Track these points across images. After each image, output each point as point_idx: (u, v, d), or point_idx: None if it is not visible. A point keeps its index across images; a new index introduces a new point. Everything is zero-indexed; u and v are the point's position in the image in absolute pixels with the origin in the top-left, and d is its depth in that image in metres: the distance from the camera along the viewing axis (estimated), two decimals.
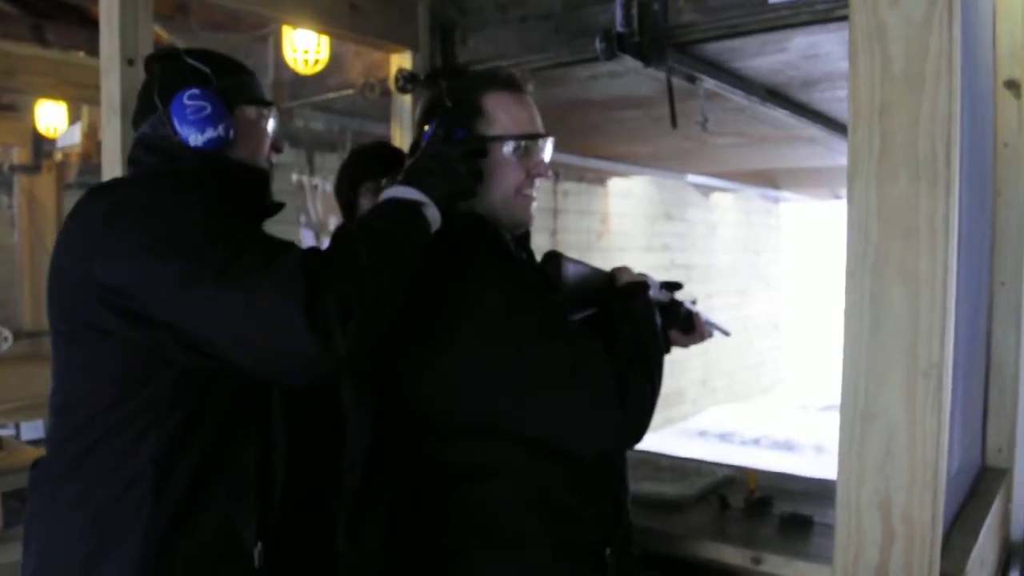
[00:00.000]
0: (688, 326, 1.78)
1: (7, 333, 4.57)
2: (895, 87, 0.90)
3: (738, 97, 3.10)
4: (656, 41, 2.33)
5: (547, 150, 1.45)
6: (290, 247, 1.17)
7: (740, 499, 2.08)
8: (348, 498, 1.64)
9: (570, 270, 1.48)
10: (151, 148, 1.35)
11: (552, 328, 1.30)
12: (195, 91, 1.32)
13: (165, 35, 3.77)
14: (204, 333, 1.13)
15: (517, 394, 1.27)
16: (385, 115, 2.93)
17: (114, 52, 1.99)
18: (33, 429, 5.14)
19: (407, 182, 1.30)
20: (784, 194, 9.95)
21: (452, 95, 1.41)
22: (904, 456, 0.85)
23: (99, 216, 1.21)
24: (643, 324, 1.44)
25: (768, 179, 8.92)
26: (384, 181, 1.74)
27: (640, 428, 1.32)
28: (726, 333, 1.93)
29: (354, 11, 2.61)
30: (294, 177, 3.73)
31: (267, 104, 1.46)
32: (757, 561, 1.74)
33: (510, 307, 1.29)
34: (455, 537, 1.36)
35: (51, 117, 4.29)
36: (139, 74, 2.00)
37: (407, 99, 2.82)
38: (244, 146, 1.40)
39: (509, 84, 1.43)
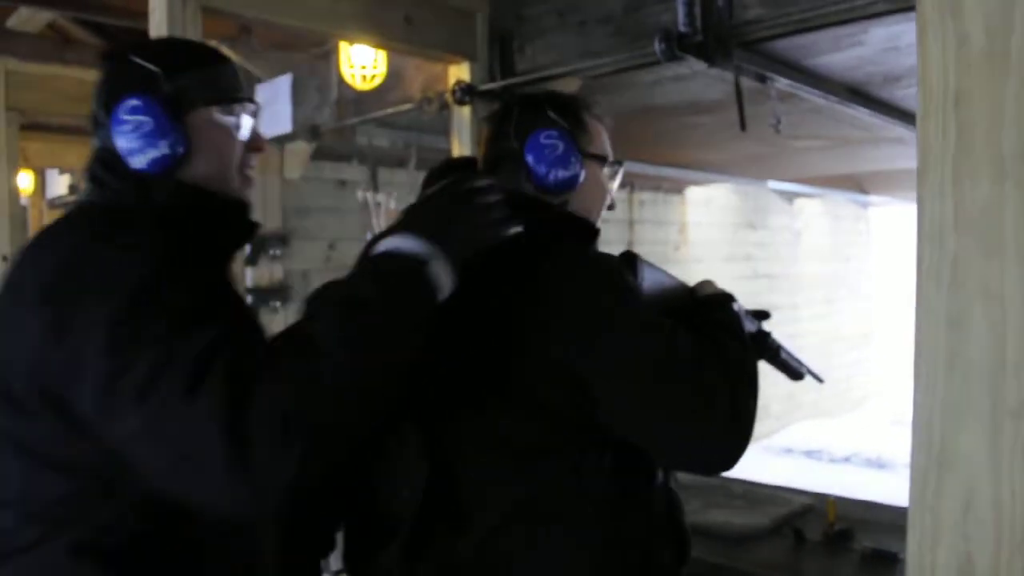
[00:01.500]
0: (778, 361, 1.66)
1: None
2: (973, 70, 0.76)
3: (814, 97, 2.93)
4: (721, 40, 2.21)
5: (619, 177, 1.48)
6: (225, 335, 0.94)
7: (818, 531, 1.93)
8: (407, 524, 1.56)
9: (647, 274, 1.39)
10: (108, 165, 1.15)
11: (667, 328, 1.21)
12: (135, 101, 1.10)
13: (234, 56, 3.80)
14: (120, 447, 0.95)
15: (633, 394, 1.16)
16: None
17: None
18: None
19: (412, 228, 1.10)
20: (873, 198, 9.54)
21: (556, 104, 1.38)
22: (988, 512, 0.70)
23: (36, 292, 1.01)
24: (736, 336, 1.33)
25: (855, 183, 8.56)
26: None
27: (742, 450, 1.19)
28: (819, 379, 1.78)
29: (409, 24, 2.57)
30: (359, 194, 3.70)
31: (236, 99, 1.23)
32: None
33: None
34: None
35: None
36: None
37: (466, 111, 2.76)
38: (205, 160, 1.18)
39: (600, 114, 1.44)
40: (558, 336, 1.17)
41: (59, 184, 6.33)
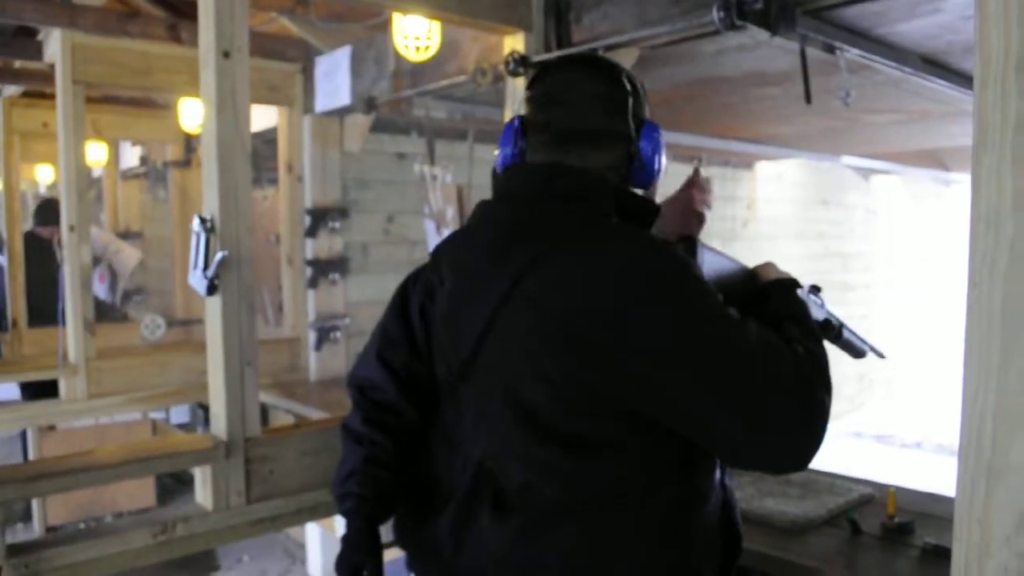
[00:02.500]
0: (841, 341, 1.60)
1: (161, 321, 4.80)
2: None
3: (888, 68, 2.77)
4: (784, 7, 2.10)
5: None
6: None
7: (876, 524, 1.84)
8: (460, 495, 1.55)
9: (707, 259, 1.32)
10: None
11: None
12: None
13: (294, 29, 3.81)
14: None
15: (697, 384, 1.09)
16: None
17: (210, 44, 1.96)
18: (181, 413, 5.41)
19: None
20: (955, 175, 9.14)
21: (630, 80, 1.31)
22: None
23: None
24: (804, 325, 1.25)
25: (935, 160, 8.21)
26: None
27: (815, 449, 1.11)
28: (880, 355, 1.71)
29: None
30: (416, 167, 3.68)
31: None
32: None
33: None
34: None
35: (193, 114, 4.45)
36: (234, 66, 1.98)
37: (520, 83, 2.69)
38: None
39: None
40: (609, 327, 1.09)
41: (131, 156, 6.47)
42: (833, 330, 1.57)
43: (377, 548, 1.62)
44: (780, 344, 1.12)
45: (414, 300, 1.68)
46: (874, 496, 2.06)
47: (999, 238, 0.69)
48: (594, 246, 1.14)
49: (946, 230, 10.08)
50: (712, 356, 1.08)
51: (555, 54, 2.65)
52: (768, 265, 1.42)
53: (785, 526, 1.87)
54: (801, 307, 1.31)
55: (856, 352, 1.67)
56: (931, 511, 1.94)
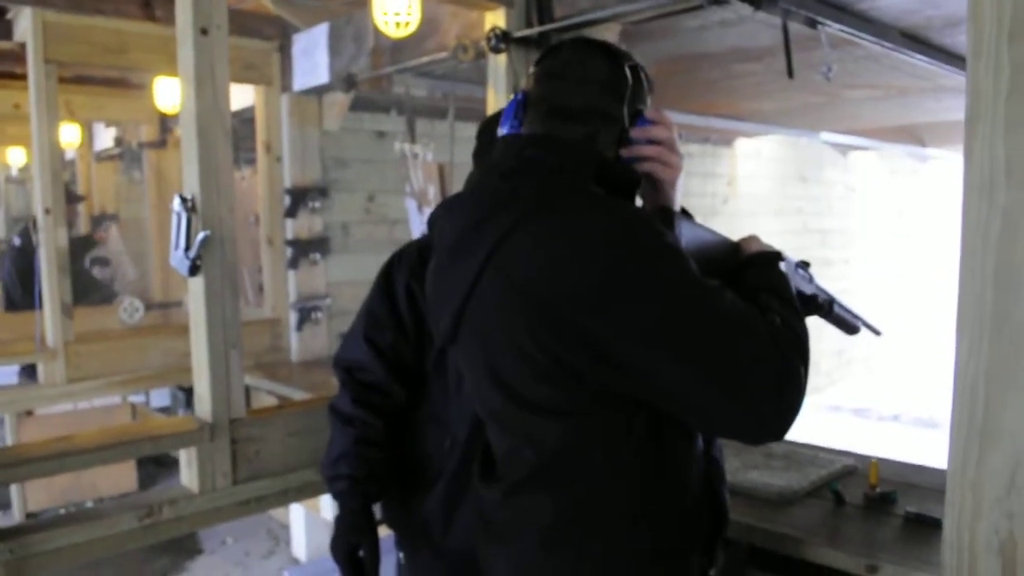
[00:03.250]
0: (832, 317, 1.59)
1: (139, 304, 4.76)
2: None
3: (868, 43, 2.78)
4: None
5: None
6: None
7: (859, 494, 1.87)
8: (448, 474, 1.64)
9: (686, 231, 1.30)
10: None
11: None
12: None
13: (270, 6, 3.76)
14: None
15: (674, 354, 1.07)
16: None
17: (187, 22, 1.93)
18: (161, 397, 5.38)
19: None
20: (931, 151, 9.21)
21: (630, 68, 1.28)
22: None
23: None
24: (783, 297, 1.23)
25: (913, 135, 8.26)
26: None
27: (791, 420, 1.10)
28: (876, 332, 1.70)
29: None
30: (396, 146, 3.65)
31: None
32: (872, 570, 1.53)
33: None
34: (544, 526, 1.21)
35: (169, 93, 4.38)
36: (212, 44, 1.95)
37: (502, 59, 2.68)
38: None
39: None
40: (580, 298, 1.09)
41: (105, 137, 6.38)
42: (821, 306, 1.57)
43: (372, 527, 1.64)
44: (755, 314, 1.12)
45: (399, 280, 1.68)
46: (856, 468, 2.08)
47: (992, 206, 0.69)
48: (567, 217, 1.13)
49: (923, 205, 10.18)
50: (685, 325, 1.07)
51: (536, 30, 2.64)
52: (751, 238, 1.41)
53: (770, 498, 1.89)
54: (781, 279, 1.30)
55: (849, 328, 1.65)
56: (912, 481, 1.97)
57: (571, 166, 1.19)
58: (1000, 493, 0.67)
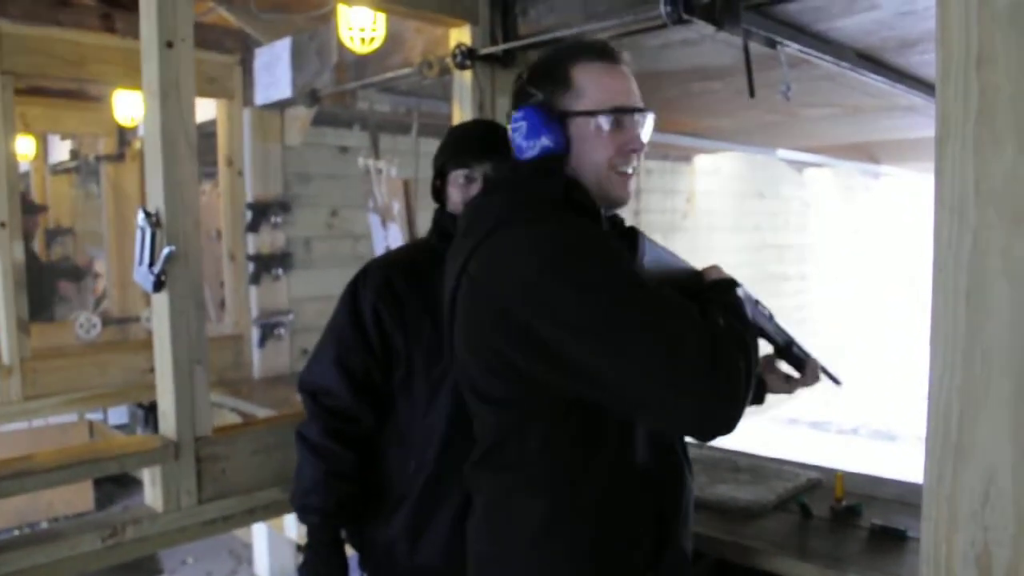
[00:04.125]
0: (800, 365, 1.59)
1: (96, 320, 4.67)
2: (998, 27, 0.70)
3: (826, 63, 2.84)
4: (729, 2, 2.13)
5: (645, 124, 1.35)
6: None
7: (825, 507, 1.90)
8: (413, 496, 1.65)
9: (649, 250, 1.35)
10: None
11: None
12: None
13: (232, 19, 3.74)
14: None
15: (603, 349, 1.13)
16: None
17: (152, 34, 1.92)
18: (119, 415, 5.27)
19: None
20: (884, 168, 9.42)
21: (537, 71, 1.36)
22: (1008, 502, 0.66)
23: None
24: (730, 313, 1.26)
25: (866, 153, 8.44)
26: (483, 169, 1.66)
27: (734, 414, 1.12)
28: (837, 382, 1.68)
29: None
30: (360, 161, 3.64)
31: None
32: None
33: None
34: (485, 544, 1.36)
35: (129, 106, 4.33)
36: (178, 56, 1.93)
37: (467, 76, 2.69)
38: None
39: (601, 54, 1.34)
40: (518, 294, 1.19)
41: (61, 149, 6.27)
42: (777, 343, 1.58)
43: (342, 561, 1.66)
44: (690, 307, 1.16)
45: (366, 301, 1.68)
46: (821, 480, 2.12)
47: (962, 224, 0.72)
48: (516, 227, 1.23)
49: (877, 221, 10.39)
50: (612, 315, 1.12)
51: (500, 47, 2.65)
52: (713, 268, 1.45)
53: (738, 511, 1.91)
54: (738, 302, 1.32)
55: (798, 365, 1.61)
56: (875, 493, 2.01)
57: (528, 184, 1.30)
58: (975, 507, 0.68)
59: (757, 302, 1.49)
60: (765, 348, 1.58)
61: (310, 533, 1.67)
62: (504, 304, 1.20)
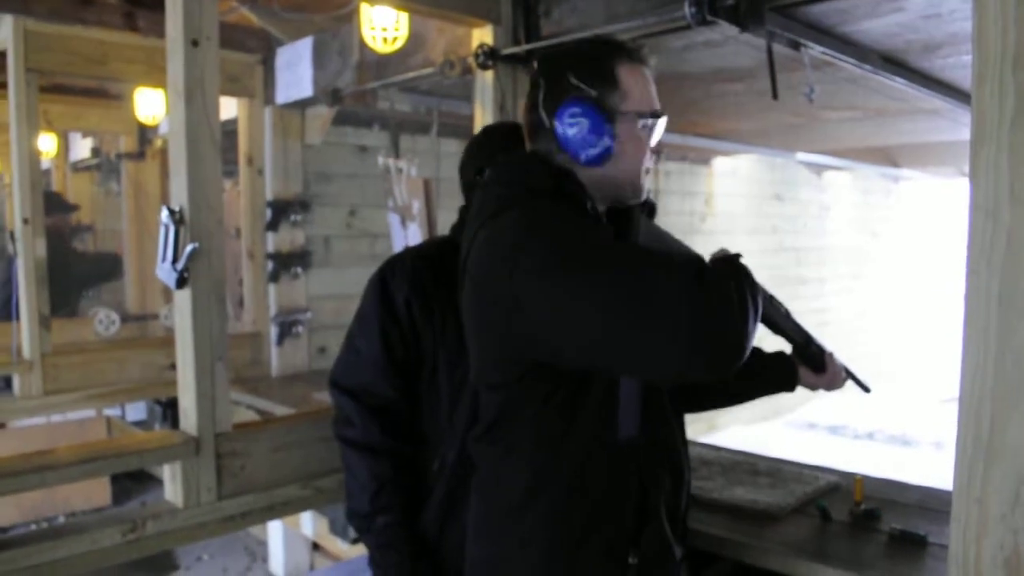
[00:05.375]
0: (818, 364, 1.62)
1: (115, 316, 4.70)
2: None
3: (849, 65, 2.83)
4: (753, 4, 2.12)
5: (662, 126, 1.41)
6: None
7: (844, 511, 1.89)
8: (439, 495, 1.66)
9: (644, 226, 1.40)
10: None
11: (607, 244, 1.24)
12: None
13: (254, 19, 3.76)
14: None
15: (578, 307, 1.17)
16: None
17: (178, 33, 1.92)
18: (137, 410, 5.31)
19: None
20: (904, 172, 9.35)
21: (581, 65, 1.36)
22: None
23: None
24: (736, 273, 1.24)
25: (886, 156, 8.39)
26: None
27: (724, 352, 1.11)
28: (866, 389, 1.70)
29: None
30: (380, 160, 3.65)
31: None
32: None
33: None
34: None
35: (150, 104, 4.36)
36: (203, 55, 1.94)
37: (488, 76, 2.69)
38: None
39: (638, 56, 1.39)
40: (499, 268, 1.24)
41: (82, 147, 6.32)
42: (795, 342, 1.59)
43: (426, 550, 1.67)
44: (674, 257, 1.22)
45: (398, 293, 1.66)
46: (840, 484, 2.11)
47: (996, 227, 0.71)
48: (504, 217, 1.29)
49: (896, 225, 10.31)
50: (595, 263, 1.17)
51: (523, 47, 2.65)
52: (720, 250, 1.45)
53: (756, 514, 1.90)
54: (743, 269, 1.28)
55: (818, 366, 1.63)
56: (895, 498, 1.99)
57: (516, 178, 1.36)
58: (1005, 510, 0.68)
59: (771, 297, 1.48)
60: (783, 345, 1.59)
61: (382, 535, 1.63)
62: (494, 290, 1.26)
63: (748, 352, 1.14)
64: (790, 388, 1.63)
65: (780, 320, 1.51)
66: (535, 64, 1.46)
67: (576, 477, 1.31)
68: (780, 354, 1.63)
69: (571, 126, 1.33)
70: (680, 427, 1.50)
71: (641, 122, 1.36)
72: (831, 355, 1.64)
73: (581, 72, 1.35)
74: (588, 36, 1.50)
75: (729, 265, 1.24)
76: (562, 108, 1.33)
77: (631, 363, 1.19)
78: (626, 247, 1.25)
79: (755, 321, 1.18)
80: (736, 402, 1.71)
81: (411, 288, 1.65)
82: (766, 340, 1.49)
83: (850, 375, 1.68)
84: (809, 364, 1.62)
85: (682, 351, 1.10)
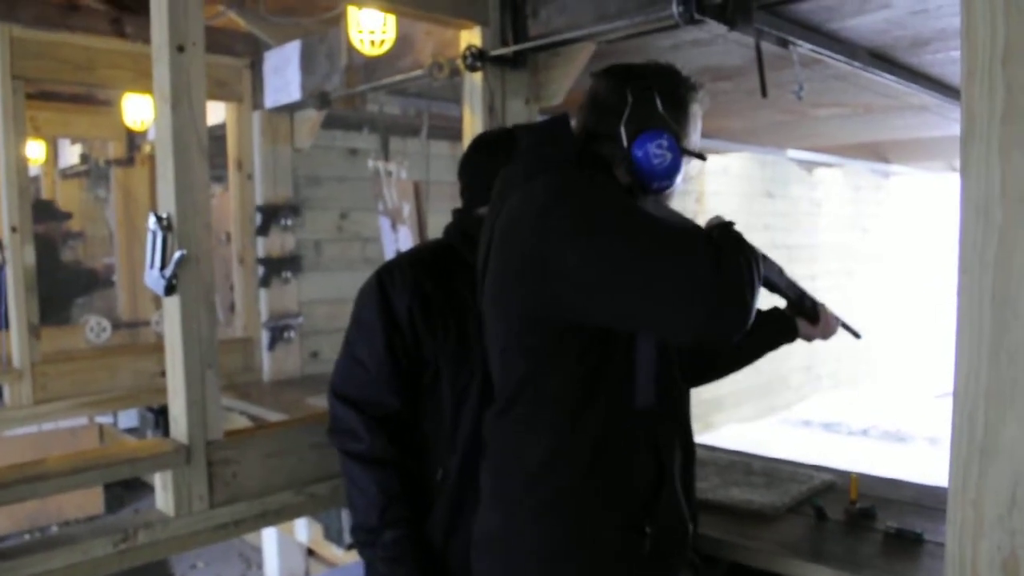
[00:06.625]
0: (813, 315, 1.70)
1: (106, 323, 4.68)
2: None
3: (838, 62, 2.83)
4: (741, 2, 2.12)
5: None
6: None
7: (840, 510, 1.88)
8: (444, 503, 1.65)
9: (650, 205, 1.41)
10: None
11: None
12: None
13: (241, 23, 3.74)
14: None
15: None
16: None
17: (163, 39, 1.91)
18: (129, 418, 5.28)
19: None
20: (895, 168, 9.37)
21: (668, 95, 1.39)
22: None
23: None
24: (736, 240, 1.32)
25: (876, 152, 8.40)
26: None
27: (737, 303, 1.19)
28: (857, 335, 1.80)
29: None
30: (370, 163, 3.63)
31: None
32: None
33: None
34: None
35: (138, 110, 4.33)
36: (189, 60, 1.93)
37: (477, 77, 2.68)
38: None
39: (705, 99, 1.48)
40: (529, 228, 1.29)
41: (71, 154, 6.29)
42: (789, 298, 1.67)
43: (434, 564, 1.65)
44: (698, 230, 1.28)
45: (400, 301, 1.65)
46: (835, 483, 2.10)
47: (988, 224, 0.70)
48: (537, 181, 1.33)
49: (887, 221, 10.33)
50: (627, 228, 1.22)
51: (511, 48, 2.65)
52: (715, 217, 1.47)
53: (751, 514, 1.90)
54: (736, 234, 1.35)
55: (811, 316, 1.72)
56: (888, 496, 1.99)
57: (544, 145, 1.40)
58: (1002, 511, 0.67)
59: (766, 257, 1.52)
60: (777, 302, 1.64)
61: (391, 549, 1.61)
62: (523, 249, 1.30)
63: (754, 315, 1.21)
64: (791, 339, 1.71)
65: (776, 278, 1.60)
66: (612, 72, 1.46)
67: (595, 448, 1.32)
68: (775, 309, 1.71)
69: (656, 157, 1.35)
70: (688, 401, 1.54)
71: (692, 161, 1.43)
72: (823, 306, 1.73)
73: (667, 102, 1.38)
74: (664, 64, 1.50)
75: (733, 235, 1.32)
76: (649, 136, 1.35)
77: (653, 321, 1.25)
78: (651, 216, 1.27)
79: (759, 286, 1.26)
80: (742, 364, 1.76)
81: (412, 295, 1.64)
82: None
83: (842, 324, 1.77)
84: (805, 316, 1.70)
85: (700, 314, 1.19)
